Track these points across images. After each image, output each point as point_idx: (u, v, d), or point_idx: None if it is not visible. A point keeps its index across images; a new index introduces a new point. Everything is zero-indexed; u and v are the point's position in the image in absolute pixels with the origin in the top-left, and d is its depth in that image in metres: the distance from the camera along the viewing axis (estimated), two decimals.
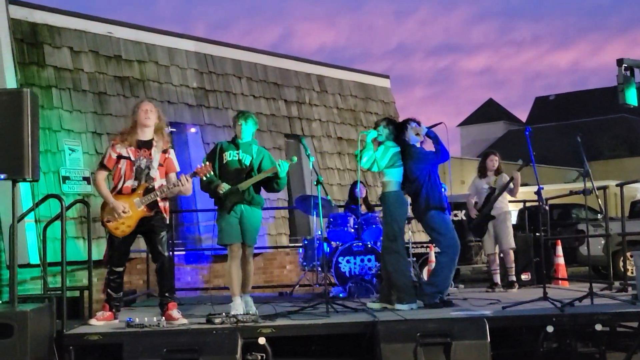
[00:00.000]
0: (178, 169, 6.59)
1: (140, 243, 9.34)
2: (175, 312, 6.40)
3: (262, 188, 7.01)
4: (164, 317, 6.30)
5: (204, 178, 6.56)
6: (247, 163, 6.84)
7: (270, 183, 6.91)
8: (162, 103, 11.12)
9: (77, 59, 10.27)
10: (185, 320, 6.33)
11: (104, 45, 10.67)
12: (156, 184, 6.38)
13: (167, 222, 6.62)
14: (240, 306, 6.68)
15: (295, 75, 13.43)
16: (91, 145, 9.97)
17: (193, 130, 11.54)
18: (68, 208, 6.89)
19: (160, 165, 6.46)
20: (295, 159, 7.07)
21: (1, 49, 9.21)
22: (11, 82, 9.10)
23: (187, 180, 6.37)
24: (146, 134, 6.46)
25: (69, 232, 8.80)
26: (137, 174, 6.36)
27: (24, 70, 9.54)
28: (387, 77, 15.57)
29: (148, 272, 9.44)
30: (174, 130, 11.53)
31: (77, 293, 7.42)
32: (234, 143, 6.95)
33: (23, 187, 8.61)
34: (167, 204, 6.61)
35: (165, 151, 6.52)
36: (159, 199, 6.38)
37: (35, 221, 8.79)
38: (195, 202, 11.12)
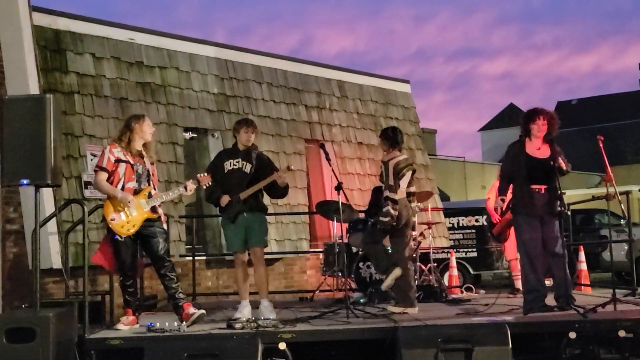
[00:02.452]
0: (157, 182, 6.84)
1: None
2: (191, 309, 6.51)
3: (264, 195, 7.10)
4: (183, 321, 6.33)
5: (204, 187, 6.75)
6: (248, 171, 6.90)
7: (273, 190, 6.98)
8: (183, 109, 11.18)
9: (99, 65, 10.34)
10: (202, 310, 6.43)
11: (125, 51, 10.74)
12: (152, 191, 6.56)
13: (165, 227, 6.78)
14: (245, 309, 6.78)
15: (315, 80, 13.43)
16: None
17: (214, 135, 11.58)
18: (90, 213, 6.96)
19: (152, 174, 6.68)
20: (292, 167, 7.15)
21: (25, 55, 9.29)
22: (34, 88, 9.18)
23: (191, 188, 6.61)
24: (140, 145, 6.64)
25: (90, 237, 8.85)
26: (138, 177, 6.52)
27: (47, 76, 9.62)
28: (407, 82, 15.52)
29: None
30: (195, 136, 11.59)
31: (98, 298, 7.47)
32: (234, 151, 7.03)
33: (45, 193, 8.67)
34: (162, 210, 6.77)
35: (152, 163, 6.75)
36: (158, 204, 6.55)
37: (58, 226, 8.86)
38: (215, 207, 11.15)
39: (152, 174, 6.67)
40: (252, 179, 6.88)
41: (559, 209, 6.81)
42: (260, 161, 7.00)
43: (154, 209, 6.50)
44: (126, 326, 6.43)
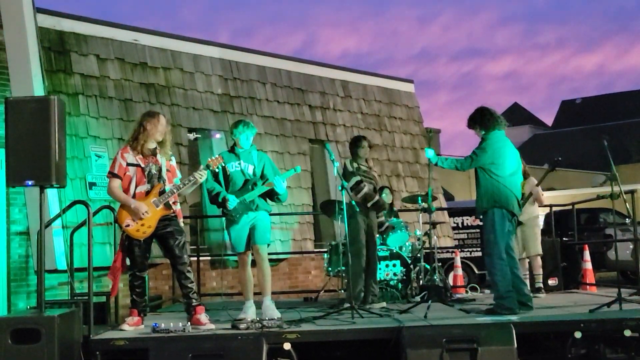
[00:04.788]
0: (179, 176, 6.71)
1: None
2: (203, 317, 6.43)
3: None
4: (190, 322, 6.31)
5: (217, 170, 6.70)
6: (251, 172, 6.91)
7: (271, 195, 6.96)
8: (187, 109, 11.19)
9: (103, 66, 10.36)
10: (212, 325, 6.36)
11: (129, 52, 10.76)
12: (167, 188, 6.49)
13: (182, 226, 6.72)
14: (250, 309, 6.74)
15: (319, 80, 13.44)
16: (117, 151, 10.05)
17: (218, 136, 11.58)
18: (94, 214, 6.95)
19: (168, 170, 6.61)
20: (299, 168, 7.15)
21: (29, 57, 9.31)
22: (39, 90, 9.20)
23: (202, 174, 6.50)
24: (153, 143, 6.58)
25: (95, 237, 8.84)
26: (150, 179, 6.46)
27: (52, 77, 9.65)
28: (411, 81, 15.51)
29: (174, 277, 9.48)
30: (199, 136, 11.60)
31: (103, 298, 7.47)
32: (234, 153, 7.02)
33: (50, 193, 8.69)
34: (180, 207, 6.73)
35: (169, 159, 6.68)
36: (171, 201, 6.49)
37: (63, 227, 8.87)
38: None
39: (168, 170, 6.60)
40: (255, 181, 6.89)
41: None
42: (262, 162, 7.02)
43: (167, 205, 6.45)
44: (131, 327, 6.43)
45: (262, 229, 6.86)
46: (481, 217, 7.10)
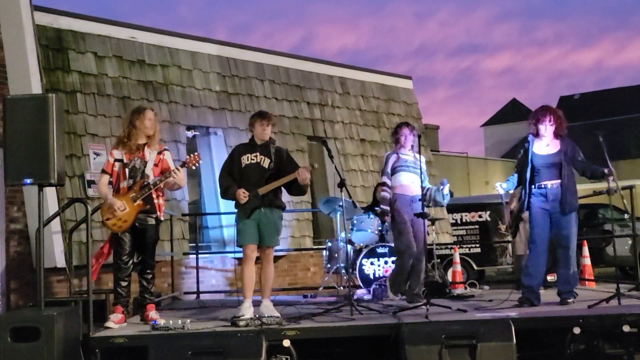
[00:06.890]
0: (173, 168, 6.69)
1: (165, 246, 9.43)
2: (153, 313, 6.65)
3: (282, 191, 6.91)
4: (143, 320, 6.60)
5: (193, 168, 6.73)
6: (267, 166, 6.73)
7: (293, 187, 6.80)
8: (185, 107, 11.18)
9: (101, 64, 10.35)
10: (162, 320, 6.39)
11: (127, 50, 10.75)
12: (150, 181, 6.56)
13: (162, 219, 6.78)
14: (248, 310, 6.55)
15: (317, 77, 13.43)
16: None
17: (216, 133, 11.58)
18: (93, 212, 6.96)
19: (155, 165, 6.66)
20: (316, 165, 7.11)
21: (27, 55, 9.30)
22: (37, 88, 9.19)
23: (178, 170, 6.53)
24: (142, 138, 6.67)
25: (94, 235, 8.87)
26: (132, 173, 6.56)
27: (49, 75, 9.63)
28: (409, 78, 15.50)
29: (173, 275, 9.49)
30: (197, 134, 11.59)
31: (102, 296, 7.47)
32: (252, 145, 6.87)
33: (49, 192, 8.68)
34: (162, 200, 6.77)
35: (160, 152, 6.73)
36: (154, 195, 6.58)
37: (61, 225, 8.87)
38: (218, 204, 11.16)
39: (156, 165, 6.65)
40: (271, 175, 6.71)
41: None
42: (279, 156, 6.81)
43: (146, 200, 6.51)
44: (116, 325, 6.41)
45: (273, 230, 6.73)
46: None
